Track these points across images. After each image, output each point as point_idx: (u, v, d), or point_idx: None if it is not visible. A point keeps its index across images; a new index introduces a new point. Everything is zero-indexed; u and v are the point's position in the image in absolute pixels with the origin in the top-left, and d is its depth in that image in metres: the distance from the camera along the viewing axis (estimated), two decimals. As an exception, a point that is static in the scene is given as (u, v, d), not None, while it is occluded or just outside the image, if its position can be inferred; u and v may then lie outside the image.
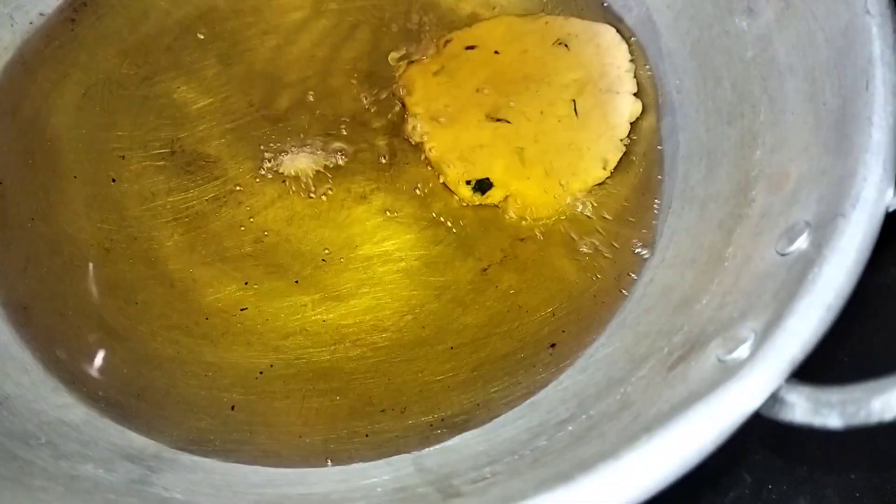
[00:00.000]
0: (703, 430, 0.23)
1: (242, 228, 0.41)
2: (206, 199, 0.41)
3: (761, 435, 0.39)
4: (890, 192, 0.27)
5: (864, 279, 0.26)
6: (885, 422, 0.22)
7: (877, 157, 0.28)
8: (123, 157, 0.42)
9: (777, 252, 0.30)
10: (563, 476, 0.22)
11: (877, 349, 0.41)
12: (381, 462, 0.33)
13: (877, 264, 0.27)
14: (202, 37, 0.45)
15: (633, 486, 0.22)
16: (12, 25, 0.45)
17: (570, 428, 0.30)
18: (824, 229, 0.28)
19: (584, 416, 0.31)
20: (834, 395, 0.23)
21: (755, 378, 0.24)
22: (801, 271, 0.27)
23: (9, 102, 0.44)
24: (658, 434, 0.23)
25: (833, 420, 0.23)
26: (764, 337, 0.25)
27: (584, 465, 0.23)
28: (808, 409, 0.23)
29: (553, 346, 0.37)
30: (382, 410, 0.36)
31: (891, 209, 0.28)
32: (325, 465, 0.33)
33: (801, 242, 0.29)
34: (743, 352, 0.26)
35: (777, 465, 0.39)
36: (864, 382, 0.23)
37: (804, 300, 0.25)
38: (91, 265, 0.40)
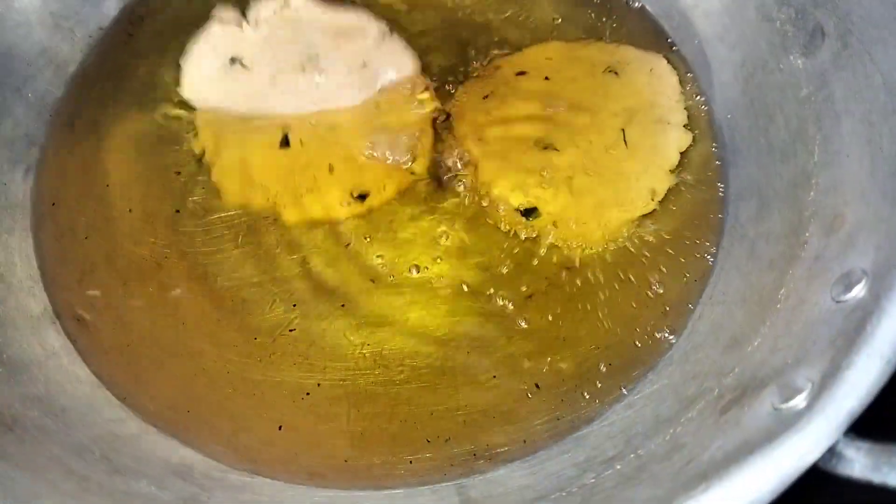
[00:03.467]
0: (760, 483, 0.23)
1: (292, 247, 0.41)
2: (258, 217, 0.42)
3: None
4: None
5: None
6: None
7: (937, 209, 0.28)
8: (178, 172, 0.43)
9: (833, 299, 0.30)
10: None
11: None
12: (426, 490, 0.33)
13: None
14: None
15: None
16: (73, 39, 0.46)
17: (617, 466, 0.30)
18: (882, 279, 0.27)
19: (632, 455, 0.31)
20: (895, 452, 0.23)
21: (813, 430, 0.24)
22: (859, 321, 0.27)
23: (66, 115, 0.45)
24: (714, 484, 0.23)
25: (894, 479, 0.23)
26: (821, 388, 0.25)
27: (638, 512, 0.23)
28: (868, 465, 0.23)
29: (597, 380, 0.37)
30: (427, 440, 0.36)
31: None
32: (371, 490, 0.33)
33: (859, 291, 0.29)
34: (799, 402, 0.26)
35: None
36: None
37: (863, 352, 0.25)
38: (143, 280, 0.41)
